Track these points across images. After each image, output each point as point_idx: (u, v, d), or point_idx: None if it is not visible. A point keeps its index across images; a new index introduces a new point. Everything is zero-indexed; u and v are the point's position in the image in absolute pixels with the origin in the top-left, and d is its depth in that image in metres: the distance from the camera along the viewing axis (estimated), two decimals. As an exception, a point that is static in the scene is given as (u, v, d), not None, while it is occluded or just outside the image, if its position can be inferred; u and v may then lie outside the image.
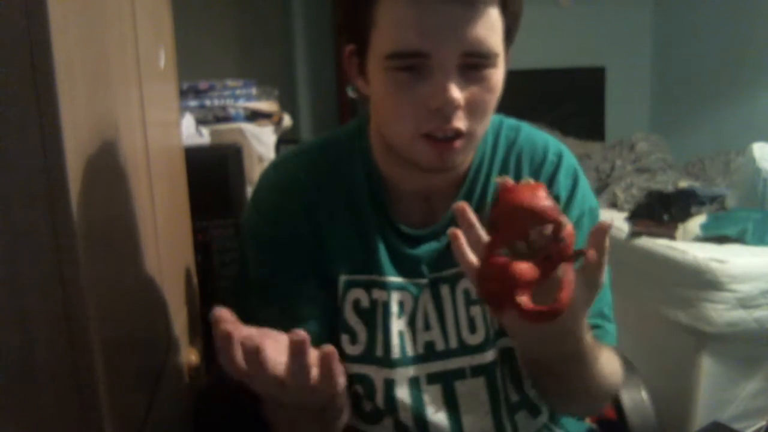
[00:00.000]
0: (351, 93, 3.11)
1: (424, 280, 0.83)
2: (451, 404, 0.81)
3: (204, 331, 1.42)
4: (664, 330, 1.94)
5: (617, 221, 2.22)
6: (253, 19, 3.53)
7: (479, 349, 0.82)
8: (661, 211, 2.09)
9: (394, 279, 0.82)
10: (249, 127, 1.83)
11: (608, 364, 0.78)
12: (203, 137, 1.75)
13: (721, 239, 1.94)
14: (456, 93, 0.68)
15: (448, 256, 0.81)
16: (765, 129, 2.76)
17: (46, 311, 0.55)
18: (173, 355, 1.05)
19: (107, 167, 0.71)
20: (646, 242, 2.03)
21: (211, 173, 1.54)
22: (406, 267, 0.82)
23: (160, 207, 1.02)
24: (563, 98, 3.59)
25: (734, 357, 1.82)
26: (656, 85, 3.75)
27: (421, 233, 0.84)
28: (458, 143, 0.72)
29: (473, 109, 0.71)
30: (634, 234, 2.09)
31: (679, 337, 1.87)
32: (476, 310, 0.82)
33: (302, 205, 0.82)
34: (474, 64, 0.69)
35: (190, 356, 1.18)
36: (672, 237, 1.99)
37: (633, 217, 2.14)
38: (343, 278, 0.82)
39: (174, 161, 1.25)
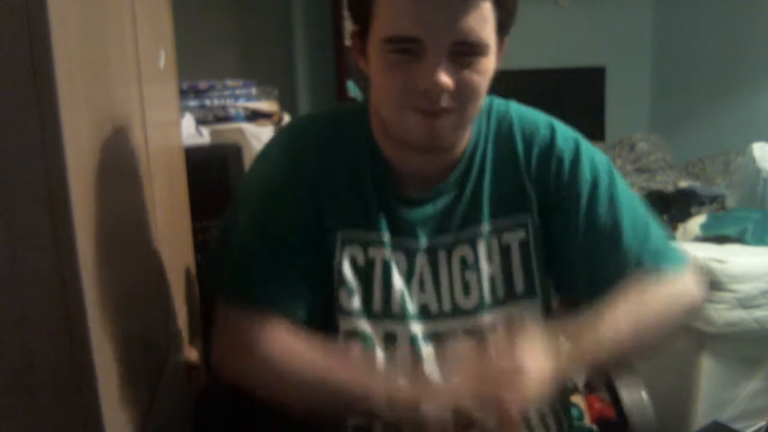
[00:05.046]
0: (352, 92, 3.10)
1: (421, 243, 0.85)
2: (444, 365, 0.83)
3: (204, 331, 1.42)
4: (664, 330, 1.94)
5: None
6: (253, 19, 3.53)
7: (472, 312, 0.84)
8: (661, 211, 2.08)
9: (390, 239, 0.84)
10: (249, 127, 1.83)
11: (634, 314, 0.80)
12: (203, 137, 1.75)
13: (721, 239, 1.93)
14: (444, 78, 0.72)
15: (444, 222, 0.86)
16: (765, 129, 2.76)
17: (46, 311, 0.55)
18: (173, 355, 1.05)
19: (107, 167, 0.71)
20: (646, 242, 2.03)
21: (211, 173, 1.54)
22: (402, 228, 0.85)
23: (160, 207, 1.02)
24: (563, 98, 3.58)
25: (734, 357, 1.82)
26: (656, 85, 3.74)
27: (417, 196, 0.86)
28: (446, 119, 0.76)
29: (462, 90, 0.75)
30: (634, 234, 2.09)
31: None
32: (471, 276, 0.85)
33: (308, 166, 0.85)
34: (464, 51, 0.73)
35: (190, 356, 1.18)
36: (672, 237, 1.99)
37: (633, 217, 2.14)
38: (340, 235, 0.84)
39: (174, 161, 1.25)
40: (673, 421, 1.87)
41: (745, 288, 1.75)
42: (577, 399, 1.91)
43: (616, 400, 0.99)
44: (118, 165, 0.78)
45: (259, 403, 1.08)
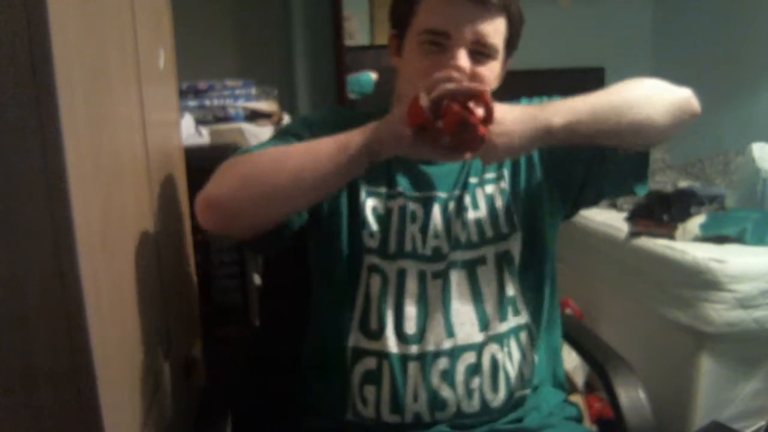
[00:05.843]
0: (351, 94, 3.10)
1: (437, 194, 0.99)
2: (446, 291, 0.96)
3: (204, 331, 1.42)
4: (663, 330, 1.94)
5: (617, 221, 2.22)
6: (253, 19, 3.52)
7: (467, 246, 0.98)
8: (660, 211, 2.08)
9: (408, 192, 0.99)
10: (249, 127, 1.83)
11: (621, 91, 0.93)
12: (203, 137, 1.75)
13: (721, 239, 1.93)
14: (464, 62, 0.90)
15: (457, 177, 1.00)
16: (765, 129, 2.76)
17: (46, 311, 0.56)
18: (173, 355, 1.05)
19: (107, 167, 0.71)
20: (646, 242, 2.03)
21: (211, 173, 1.53)
22: (422, 183, 1.00)
23: (160, 207, 1.02)
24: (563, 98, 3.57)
25: (734, 357, 1.82)
26: (656, 85, 3.74)
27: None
28: None
29: (474, 79, 0.90)
30: (633, 234, 2.09)
31: (678, 337, 1.87)
32: (468, 216, 0.98)
33: (341, 125, 0.92)
34: (479, 51, 0.92)
35: (190, 356, 1.18)
36: (671, 237, 1.99)
37: (632, 217, 2.14)
38: (364, 188, 0.99)
39: (174, 161, 1.25)
40: (672, 421, 1.87)
41: (744, 288, 1.75)
42: (576, 399, 1.91)
43: (614, 401, 0.99)
44: (118, 165, 0.78)
45: (260, 403, 1.08)
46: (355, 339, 0.96)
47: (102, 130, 0.70)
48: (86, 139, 0.63)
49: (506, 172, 1.02)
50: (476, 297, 0.97)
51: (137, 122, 0.92)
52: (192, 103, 1.87)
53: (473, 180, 1.01)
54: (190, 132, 1.71)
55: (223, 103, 1.89)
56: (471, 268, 0.97)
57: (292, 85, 3.55)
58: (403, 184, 0.99)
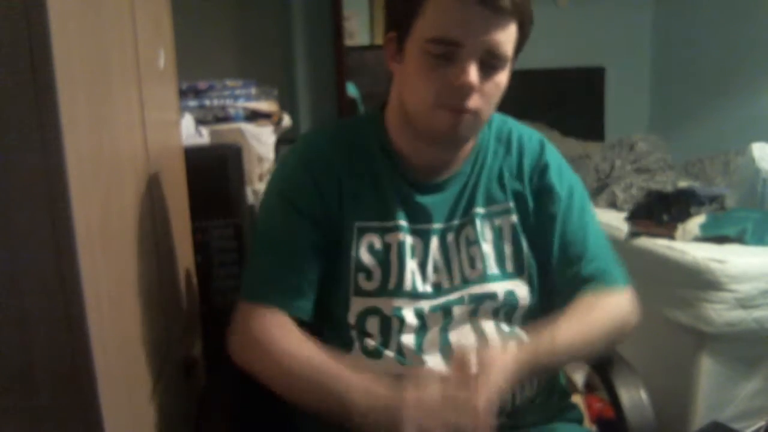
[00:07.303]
0: (351, 93, 3.11)
1: (434, 226, 0.95)
2: (445, 324, 0.94)
3: (204, 331, 1.42)
4: (663, 330, 1.94)
5: (617, 221, 2.21)
6: (253, 19, 3.53)
7: (476, 282, 0.95)
8: (660, 211, 2.08)
9: (405, 224, 0.95)
10: (249, 127, 1.83)
11: (584, 326, 0.93)
12: (203, 137, 1.75)
13: (721, 239, 1.93)
14: (474, 77, 0.85)
15: (454, 207, 0.97)
16: (765, 129, 2.76)
17: (46, 311, 0.56)
18: (173, 355, 1.05)
19: (107, 167, 0.71)
20: (646, 242, 2.03)
21: (210, 173, 1.53)
22: (418, 214, 0.96)
23: (160, 207, 1.02)
24: (563, 98, 3.58)
25: (734, 357, 1.82)
26: (656, 85, 3.75)
27: (429, 183, 0.97)
28: (468, 116, 0.88)
29: (483, 95, 0.87)
30: (633, 234, 2.08)
31: (678, 337, 1.87)
32: (475, 250, 0.96)
33: (325, 168, 0.94)
34: (490, 62, 0.86)
35: (190, 356, 1.18)
36: (671, 237, 1.99)
37: (632, 217, 2.13)
38: (357, 225, 0.94)
39: (174, 161, 1.25)
40: (673, 421, 1.87)
41: (744, 288, 1.75)
42: (576, 399, 1.91)
43: (615, 400, 0.99)
44: (118, 165, 0.79)
45: (260, 402, 1.08)
46: (355, 358, 0.93)
47: (102, 130, 0.70)
48: (86, 139, 0.63)
49: (514, 206, 0.99)
50: (478, 331, 0.94)
51: (137, 122, 0.92)
52: (192, 103, 1.87)
53: (480, 210, 0.97)
54: (190, 132, 1.71)
55: (223, 103, 1.89)
56: (474, 305, 0.94)
57: (292, 85, 3.55)
58: (400, 216, 0.95)
